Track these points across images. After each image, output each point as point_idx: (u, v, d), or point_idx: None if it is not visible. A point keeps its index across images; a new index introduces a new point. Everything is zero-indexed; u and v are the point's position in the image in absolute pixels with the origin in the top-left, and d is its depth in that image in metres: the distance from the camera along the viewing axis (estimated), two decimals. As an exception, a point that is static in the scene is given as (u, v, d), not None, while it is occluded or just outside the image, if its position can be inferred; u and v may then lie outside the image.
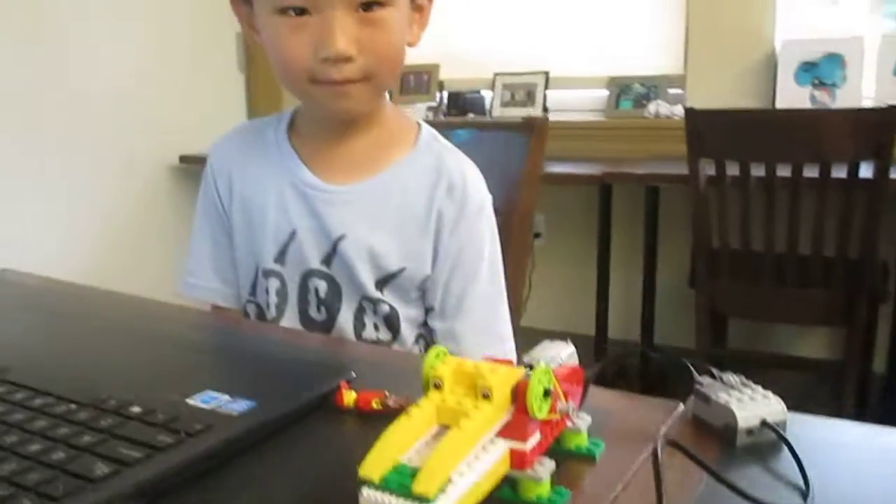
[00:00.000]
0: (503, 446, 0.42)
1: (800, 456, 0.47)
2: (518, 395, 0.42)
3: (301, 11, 0.79)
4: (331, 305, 0.89)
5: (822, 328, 2.43)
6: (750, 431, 0.50)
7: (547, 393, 0.42)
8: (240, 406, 0.53)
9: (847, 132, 1.77)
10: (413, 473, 0.36)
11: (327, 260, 0.89)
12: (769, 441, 0.50)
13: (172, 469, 0.45)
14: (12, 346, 0.70)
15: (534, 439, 0.42)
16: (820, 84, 2.34)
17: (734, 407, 0.50)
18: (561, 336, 0.59)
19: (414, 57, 0.93)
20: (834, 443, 0.52)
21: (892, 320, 2.23)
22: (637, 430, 0.52)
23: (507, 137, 1.11)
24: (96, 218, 2.67)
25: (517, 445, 0.42)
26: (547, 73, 2.71)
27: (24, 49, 2.41)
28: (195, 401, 0.54)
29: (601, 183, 2.24)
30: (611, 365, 0.60)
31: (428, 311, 0.91)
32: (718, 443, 0.51)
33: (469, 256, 0.89)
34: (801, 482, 0.45)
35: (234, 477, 0.47)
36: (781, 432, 0.49)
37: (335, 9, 0.78)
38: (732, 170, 1.88)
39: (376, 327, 0.89)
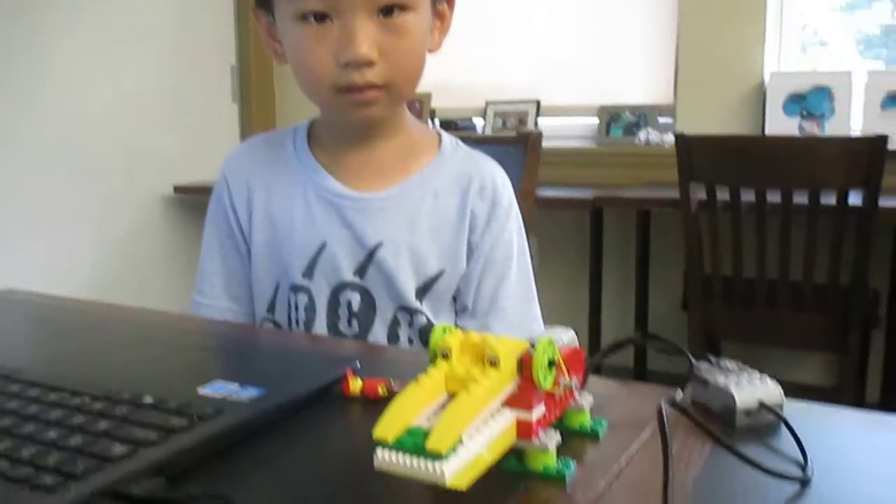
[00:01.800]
0: (509, 416, 0.43)
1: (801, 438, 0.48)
2: (524, 365, 0.43)
3: (322, 17, 0.80)
4: (363, 319, 0.88)
5: (815, 354, 2.45)
6: (748, 413, 0.51)
7: (551, 364, 0.44)
8: (249, 393, 0.54)
9: (837, 160, 1.81)
10: (426, 435, 0.38)
11: (361, 271, 0.88)
12: (767, 423, 0.51)
13: (187, 448, 0.46)
14: (24, 353, 0.71)
15: (539, 410, 0.44)
16: (808, 115, 2.39)
17: (733, 389, 0.52)
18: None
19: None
20: (830, 425, 0.54)
21: (885, 347, 2.25)
22: (638, 413, 0.54)
23: (502, 152, 1.13)
24: (92, 249, 2.68)
25: (523, 415, 0.43)
26: (538, 102, 2.76)
27: (12, 71, 2.41)
28: (206, 390, 0.55)
29: (592, 207, 2.27)
30: (610, 351, 0.62)
31: (460, 312, 0.92)
32: (718, 425, 0.52)
33: (500, 255, 0.90)
34: (799, 457, 0.46)
35: (246, 459, 0.48)
36: (779, 412, 0.50)
37: (356, 14, 0.78)
38: (723, 195, 1.92)
39: (410, 341, 0.89)
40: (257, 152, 0.96)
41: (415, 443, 0.38)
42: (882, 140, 1.76)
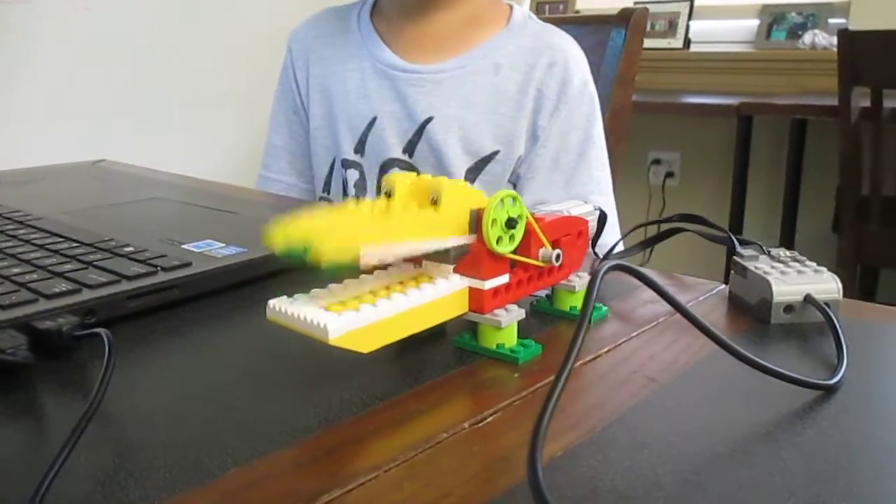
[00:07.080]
0: (459, 283, 0.36)
1: (844, 338, 0.38)
2: (477, 222, 0.36)
3: None
4: None
5: None
6: (789, 308, 0.41)
7: (512, 223, 0.36)
8: (228, 251, 0.51)
9: None
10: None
11: (410, 147, 0.83)
12: (813, 322, 0.41)
13: (128, 293, 0.43)
14: (58, 208, 0.70)
15: (497, 280, 0.37)
16: None
17: (772, 279, 0.42)
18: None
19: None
20: (893, 334, 0.43)
21: None
22: (658, 307, 0.45)
23: (599, 33, 1.01)
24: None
25: (475, 283, 0.36)
26: (691, 2, 2.51)
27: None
28: (190, 246, 0.52)
29: (738, 115, 2.05)
30: (656, 240, 0.53)
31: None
32: (751, 322, 0.42)
33: (574, 141, 0.82)
34: (834, 360, 0.36)
35: (203, 311, 0.45)
36: (826, 309, 0.40)
37: None
38: (890, 102, 1.67)
39: None
40: (323, 24, 0.93)
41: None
42: None
